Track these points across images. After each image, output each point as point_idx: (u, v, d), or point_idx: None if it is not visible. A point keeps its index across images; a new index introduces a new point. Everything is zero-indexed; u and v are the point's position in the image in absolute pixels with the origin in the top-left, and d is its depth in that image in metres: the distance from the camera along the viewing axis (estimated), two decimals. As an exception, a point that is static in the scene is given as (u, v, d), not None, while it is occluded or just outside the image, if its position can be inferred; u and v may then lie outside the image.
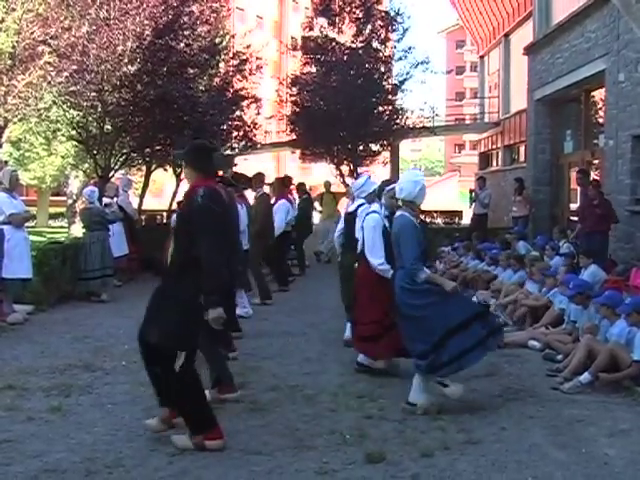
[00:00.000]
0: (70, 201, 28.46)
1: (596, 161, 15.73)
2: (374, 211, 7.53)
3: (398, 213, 6.48)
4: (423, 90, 79.56)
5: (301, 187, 17.72)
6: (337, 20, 21.54)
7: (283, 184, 14.65)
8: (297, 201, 16.50)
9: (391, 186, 7.45)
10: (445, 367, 6.07)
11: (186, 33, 17.22)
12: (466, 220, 26.65)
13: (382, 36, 21.81)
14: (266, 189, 12.93)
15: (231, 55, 20.68)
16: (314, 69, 22.17)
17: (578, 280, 8.80)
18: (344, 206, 12.57)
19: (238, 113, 20.60)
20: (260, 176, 12.14)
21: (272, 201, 13.03)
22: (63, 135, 19.18)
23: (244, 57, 20.62)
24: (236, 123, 20.65)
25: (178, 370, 5.07)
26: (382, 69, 21.75)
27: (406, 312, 6.20)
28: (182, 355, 5.08)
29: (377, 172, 37.92)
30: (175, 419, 5.38)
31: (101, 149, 16.71)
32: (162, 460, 4.99)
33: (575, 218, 13.36)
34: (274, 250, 12.92)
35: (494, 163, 27.32)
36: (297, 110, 22.23)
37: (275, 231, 12.72)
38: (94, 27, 14.33)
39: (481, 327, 6.10)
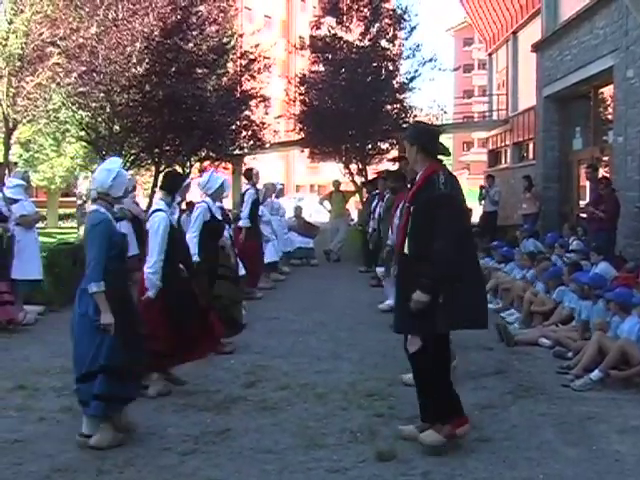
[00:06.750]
0: (80, 202, 28.51)
1: (605, 158, 15.66)
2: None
3: (92, 207, 5.53)
4: (431, 88, 79.29)
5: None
6: (345, 19, 21.51)
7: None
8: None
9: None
10: None
11: (194, 33, 17.27)
12: (475, 218, 26.55)
13: (390, 34, 21.75)
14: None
15: (239, 55, 20.75)
16: (322, 68, 22.15)
17: (594, 274, 8.88)
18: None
19: (247, 113, 20.69)
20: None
21: None
22: (72, 136, 19.31)
23: (252, 57, 20.69)
24: (245, 123, 20.72)
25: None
26: (390, 67, 21.68)
27: None
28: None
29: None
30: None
31: (110, 150, 16.74)
32: (173, 459, 5.01)
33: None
34: None
35: (503, 161, 27.24)
36: (305, 109, 22.23)
37: None
38: (102, 28, 14.41)
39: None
